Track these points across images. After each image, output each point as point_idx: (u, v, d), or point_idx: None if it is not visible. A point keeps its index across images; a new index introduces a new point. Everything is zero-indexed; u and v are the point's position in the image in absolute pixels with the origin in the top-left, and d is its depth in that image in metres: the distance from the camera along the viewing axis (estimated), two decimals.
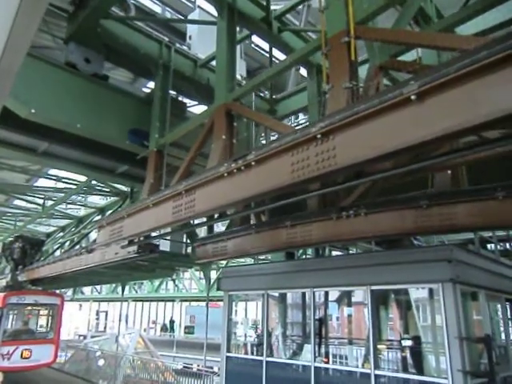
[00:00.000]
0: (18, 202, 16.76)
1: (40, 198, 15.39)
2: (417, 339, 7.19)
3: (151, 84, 8.61)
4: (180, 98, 8.51)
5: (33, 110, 5.64)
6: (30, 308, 12.93)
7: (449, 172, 4.56)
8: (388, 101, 2.71)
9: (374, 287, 6.52)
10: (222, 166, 4.21)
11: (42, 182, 14.71)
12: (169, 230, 6.68)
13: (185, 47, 8.22)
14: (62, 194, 14.24)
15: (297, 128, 3.80)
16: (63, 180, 13.27)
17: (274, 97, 8.76)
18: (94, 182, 12.65)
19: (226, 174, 4.16)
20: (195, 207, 4.70)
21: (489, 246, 9.00)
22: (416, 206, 4.23)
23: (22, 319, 12.78)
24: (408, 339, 7.63)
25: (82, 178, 12.40)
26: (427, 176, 5.01)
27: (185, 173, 5.48)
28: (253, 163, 3.82)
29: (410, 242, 8.41)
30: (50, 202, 15.30)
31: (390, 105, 2.70)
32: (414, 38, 3.77)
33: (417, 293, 8.21)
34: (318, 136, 3.19)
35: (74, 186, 13.20)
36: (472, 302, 6.47)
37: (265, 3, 6.54)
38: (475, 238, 7.33)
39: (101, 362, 18.33)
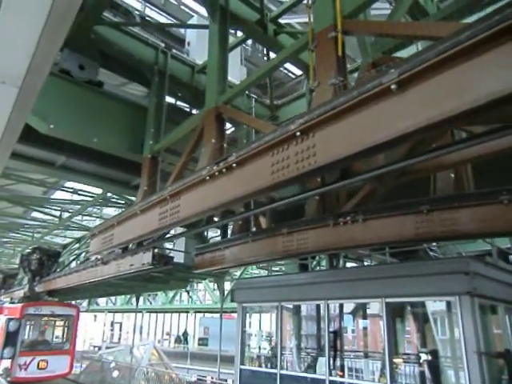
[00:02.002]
0: (35, 214, 17.08)
1: (57, 210, 15.66)
2: (434, 353, 7.04)
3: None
4: (188, 109, 8.55)
5: (51, 126, 5.80)
6: (46, 319, 13.09)
7: (452, 175, 4.31)
8: (367, 92, 2.54)
9: (388, 299, 6.43)
10: (205, 169, 4.14)
11: (58, 195, 14.99)
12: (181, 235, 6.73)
13: (184, 54, 8.19)
14: (78, 206, 14.48)
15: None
16: (79, 192, 13.51)
17: (275, 103, 8.71)
18: (109, 195, 12.84)
19: (208, 178, 4.07)
20: (180, 213, 4.62)
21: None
22: (416, 211, 3.96)
23: (39, 330, 12.93)
24: (425, 353, 7.49)
25: (98, 191, 12.59)
26: (429, 181, 4.75)
27: (177, 178, 5.37)
28: (234, 165, 3.72)
29: (426, 253, 8.30)
30: (66, 214, 15.56)
31: (370, 96, 2.54)
32: (407, 29, 3.44)
33: (434, 305, 8.06)
34: (298, 134, 3.06)
35: (90, 199, 13.42)
36: (491, 315, 6.31)
37: (259, 5, 6.37)
38: (493, 250, 7.19)
39: (115, 374, 18.35)
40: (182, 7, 9.51)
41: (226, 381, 22.89)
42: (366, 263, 9.91)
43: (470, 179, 4.38)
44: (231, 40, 7.15)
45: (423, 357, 7.74)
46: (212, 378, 24.77)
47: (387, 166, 3.09)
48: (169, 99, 7.75)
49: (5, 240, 22.02)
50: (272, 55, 7.62)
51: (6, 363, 11.38)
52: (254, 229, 6.61)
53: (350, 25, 3.58)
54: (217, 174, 3.96)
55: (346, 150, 2.68)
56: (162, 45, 7.56)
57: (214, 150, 4.81)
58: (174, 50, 7.79)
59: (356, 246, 4.77)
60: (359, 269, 8.72)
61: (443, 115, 2.14)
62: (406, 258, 8.30)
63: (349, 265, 9.79)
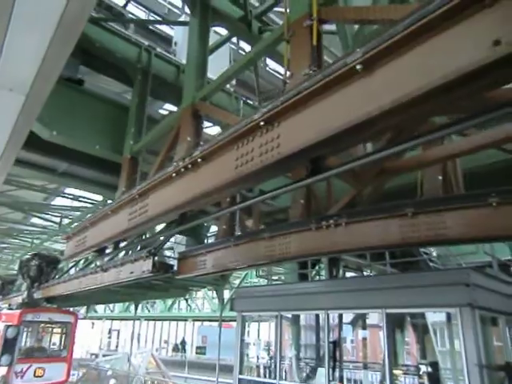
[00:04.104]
0: (35, 220, 17.08)
1: (57, 216, 15.67)
2: (435, 365, 7.01)
3: (168, 106, 8.76)
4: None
5: (54, 132, 5.83)
6: (44, 326, 13.00)
7: (440, 178, 4.00)
8: (332, 74, 2.37)
9: (389, 310, 6.42)
10: (171, 165, 4.03)
11: (58, 201, 15.01)
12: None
13: (171, 54, 8.01)
14: (79, 213, 14.48)
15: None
16: (80, 199, 13.52)
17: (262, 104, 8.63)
18: (109, 201, 12.83)
19: (174, 175, 3.98)
20: (148, 212, 4.53)
21: None
22: (401, 214, 3.68)
23: (36, 337, 12.83)
24: (425, 364, 7.46)
25: (99, 197, 12.61)
26: (416, 184, 4.41)
27: None
28: (199, 160, 3.61)
29: (426, 264, 8.31)
30: (66, 221, 15.56)
31: (335, 78, 2.37)
32: (388, 12, 3.03)
33: (434, 316, 8.04)
34: (262, 124, 2.92)
35: (91, 205, 13.43)
36: (492, 327, 6.30)
37: (242, 1, 6.10)
38: (493, 262, 7.20)
39: (112, 382, 18.19)
40: (171, 7, 9.38)
41: None
42: (365, 273, 9.90)
43: (460, 182, 4.12)
44: (216, 39, 7.01)
45: (423, 368, 7.70)
46: None
47: (360, 159, 2.91)
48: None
49: (4, 246, 21.98)
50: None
51: (2, 370, 11.28)
52: (238, 233, 6.42)
53: (326, 12, 3.38)
54: (183, 170, 3.84)
55: (309, 139, 2.54)
56: (146, 43, 7.34)
57: (189, 148, 4.58)
58: (159, 50, 7.58)
59: (339, 250, 4.41)
60: (359, 279, 8.71)
61: (408, 96, 1.99)
62: (406, 268, 8.31)
63: (348, 274, 9.79)
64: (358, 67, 2.22)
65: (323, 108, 2.51)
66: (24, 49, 2.58)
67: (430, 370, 7.08)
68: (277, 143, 2.80)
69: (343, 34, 4.48)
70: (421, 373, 7.69)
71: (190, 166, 3.78)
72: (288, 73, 3.44)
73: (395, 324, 8.91)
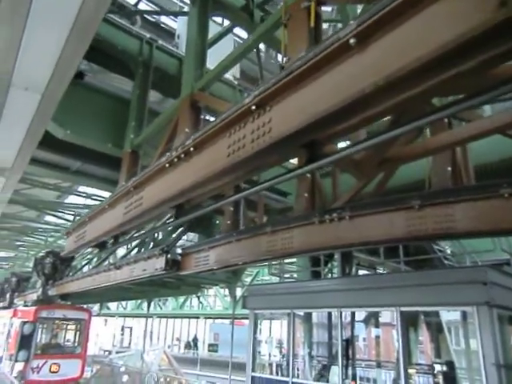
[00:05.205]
0: (48, 218, 17.32)
1: (70, 214, 15.86)
2: (450, 364, 6.90)
3: None
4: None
5: (68, 131, 5.87)
6: (58, 322, 13.17)
7: (449, 169, 3.76)
8: (325, 50, 2.25)
9: (403, 308, 6.34)
10: (164, 156, 3.96)
11: (72, 199, 15.20)
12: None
13: (174, 47, 7.92)
14: None
15: None
16: (92, 197, 13.65)
17: None
18: None
19: (167, 165, 3.92)
20: (143, 205, 4.49)
21: None
22: (407, 206, 3.51)
23: (51, 333, 13.01)
24: (440, 364, 7.35)
25: None
26: (423, 182, 4.25)
27: None
28: (191, 149, 3.56)
29: (441, 261, 8.19)
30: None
31: (328, 55, 2.25)
32: None
33: (448, 315, 7.93)
34: (253, 108, 2.83)
35: None
36: (510, 326, 6.18)
37: None
38: (511, 259, 7.06)
39: (125, 378, 18.36)
40: (181, 4, 9.30)
41: None
42: (378, 271, 9.81)
43: (471, 173, 3.88)
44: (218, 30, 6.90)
45: (437, 367, 7.60)
46: None
47: (357, 145, 2.74)
48: None
49: (19, 243, 22.35)
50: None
51: (20, 366, 11.47)
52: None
53: None
54: (176, 160, 3.79)
55: (301, 121, 2.42)
56: (148, 35, 7.28)
57: (187, 139, 4.58)
58: (161, 42, 7.50)
59: (344, 245, 4.23)
60: (373, 277, 8.63)
61: (405, 69, 1.85)
62: (420, 266, 8.20)
63: (361, 272, 9.71)
64: (352, 41, 2.08)
65: (315, 88, 2.40)
66: (40, 48, 2.61)
67: (445, 369, 6.98)
68: (268, 128, 2.70)
69: (345, 16, 4.32)
70: (435, 372, 7.57)
71: (182, 155, 3.71)
72: (285, 58, 3.30)
73: (408, 322, 8.79)
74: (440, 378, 7.07)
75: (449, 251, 8.48)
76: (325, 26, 7.57)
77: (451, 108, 2.29)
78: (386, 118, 3.67)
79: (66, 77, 2.72)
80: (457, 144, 3.74)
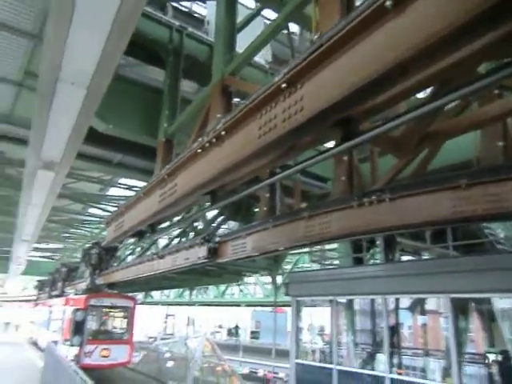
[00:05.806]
0: (92, 210, 18.02)
1: (112, 206, 16.40)
2: (505, 354, 6.57)
3: None
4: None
5: (110, 125, 5.99)
6: (107, 310, 13.77)
7: (500, 144, 3.43)
8: (359, 16, 2.08)
9: (454, 295, 6.07)
10: (196, 142, 3.91)
11: (113, 191, 15.69)
12: None
13: (203, 34, 7.75)
14: None
15: None
16: (133, 188, 14.01)
17: None
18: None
19: (200, 151, 3.88)
20: (177, 192, 4.47)
21: None
22: (453, 186, 3.23)
23: (101, 320, 13.63)
24: (494, 353, 7.02)
25: None
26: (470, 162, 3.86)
27: None
28: (223, 133, 3.49)
29: (492, 246, 7.76)
30: None
31: (363, 21, 2.09)
32: None
33: (501, 302, 7.54)
34: (284, 86, 2.72)
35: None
36: None
37: None
38: None
39: (170, 364, 18.97)
40: None
41: (277, 374, 22.97)
42: (423, 257, 9.47)
43: None
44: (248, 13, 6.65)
45: (491, 357, 7.27)
46: (264, 371, 24.98)
47: (395, 119, 2.52)
48: None
49: (66, 235, 23.48)
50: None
51: (75, 350, 12.14)
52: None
53: None
54: (208, 145, 3.75)
55: (333, 96, 2.29)
56: (177, 23, 7.19)
57: (218, 124, 4.55)
58: (190, 29, 7.37)
59: (384, 229, 4.02)
60: (420, 262, 8.34)
61: (446, 29, 1.68)
62: (468, 251, 7.81)
63: (404, 258, 9.42)
64: (388, 3, 1.92)
65: (350, 58, 2.25)
66: (84, 44, 2.67)
67: (499, 358, 6.66)
68: (300, 106, 2.58)
69: None
70: (489, 361, 7.24)
71: (214, 140, 3.68)
72: (316, 36, 3.12)
73: (457, 310, 8.45)
74: (494, 368, 6.76)
75: (502, 235, 8.01)
76: None
77: (499, 73, 2.03)
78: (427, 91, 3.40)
79: (109, 71, 2.77)
80: (508, 115, 3.38)
